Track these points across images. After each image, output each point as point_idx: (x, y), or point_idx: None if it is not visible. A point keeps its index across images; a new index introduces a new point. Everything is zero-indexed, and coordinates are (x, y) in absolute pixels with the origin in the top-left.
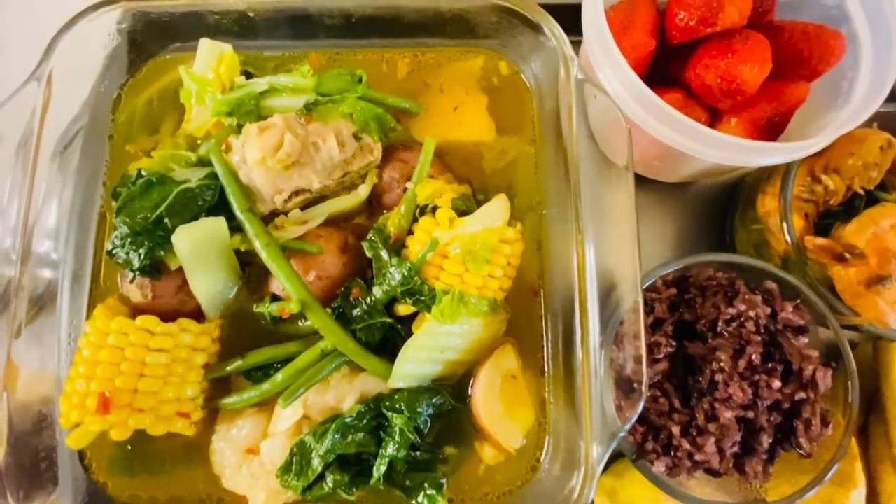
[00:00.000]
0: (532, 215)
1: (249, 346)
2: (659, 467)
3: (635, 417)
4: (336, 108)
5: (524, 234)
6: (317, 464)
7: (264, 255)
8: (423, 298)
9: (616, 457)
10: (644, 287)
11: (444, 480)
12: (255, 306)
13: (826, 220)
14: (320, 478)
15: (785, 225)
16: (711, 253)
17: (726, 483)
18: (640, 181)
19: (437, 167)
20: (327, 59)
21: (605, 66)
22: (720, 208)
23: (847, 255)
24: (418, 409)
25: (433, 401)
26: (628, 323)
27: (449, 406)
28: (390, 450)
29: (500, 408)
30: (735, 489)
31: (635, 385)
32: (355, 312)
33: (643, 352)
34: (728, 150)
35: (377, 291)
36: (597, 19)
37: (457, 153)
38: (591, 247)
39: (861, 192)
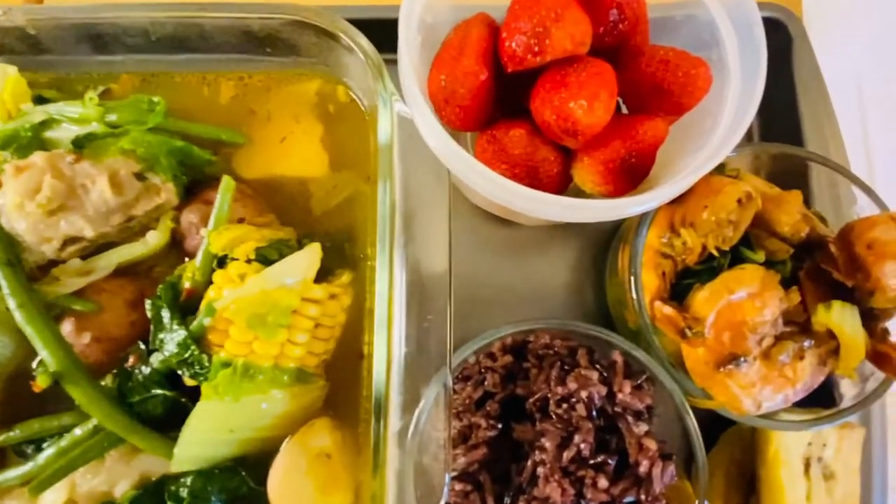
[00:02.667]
0: (364, 265)
1: (31, 411)
2: None
3: None
4: (115, 143)
5: (352, 286)
6: None
7: (17, 317)
8: (201, 372)
9: None
10: (478, 350)
11: None
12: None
13: (688, 279)
14: None
15: (632, 282)
16: (552, 318)
17: None
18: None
19: (256, 208)
20: (140, 80)
21: (413, 107)
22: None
23: (688, 332)
24: (206, 496)
25: (227, 484)
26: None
27: (246, 489)
28: None
29: (304, 492)
30: None
31: (436, 478)
32: (130, 384)
33: (446, 443)
34: (553, 206)
35: (154, 360)
36: (405, 49)
37: (283, 191)
38: (401, 309)
39: (715, 252)
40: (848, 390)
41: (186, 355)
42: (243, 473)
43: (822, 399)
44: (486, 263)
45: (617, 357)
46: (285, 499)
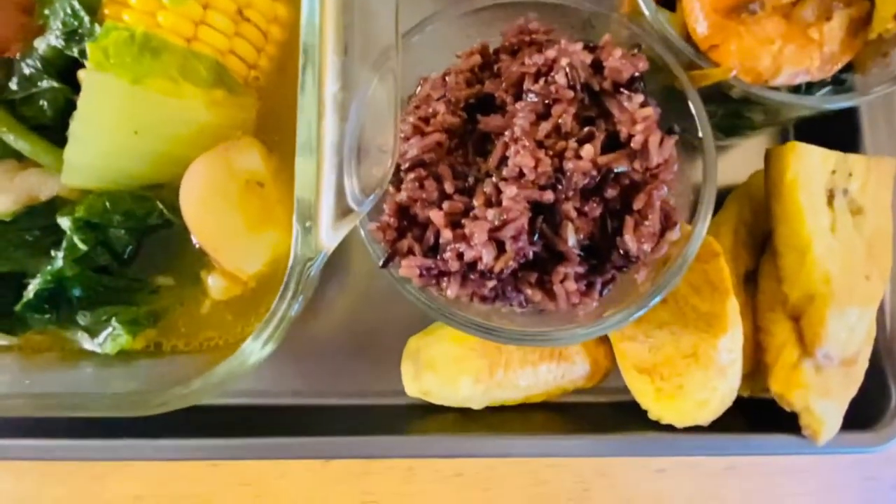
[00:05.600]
0: None
1: None
2: (411, 269)
3: (378, 191)
4: None
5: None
6: None
7: None
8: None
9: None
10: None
11: (145, 318)
12: None
13: None
14: None
15: None
16: None
17: (549, 321)
18: None
19: None
20: None
21: None
22: None
23: None
24: (109, 218)
25: (135, 210)
26: (383, 82)
27: (160, 220)
28: (56, 265)
29: (228, 221)
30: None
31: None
32: (14, 80)
33: (395, 105)
34: None
35: (40, 44)
36: None
37: None
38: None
39: None
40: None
41: (76, 25)
42: (156, 201)
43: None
44: None
45: (606, 38)
46: (207, 225)
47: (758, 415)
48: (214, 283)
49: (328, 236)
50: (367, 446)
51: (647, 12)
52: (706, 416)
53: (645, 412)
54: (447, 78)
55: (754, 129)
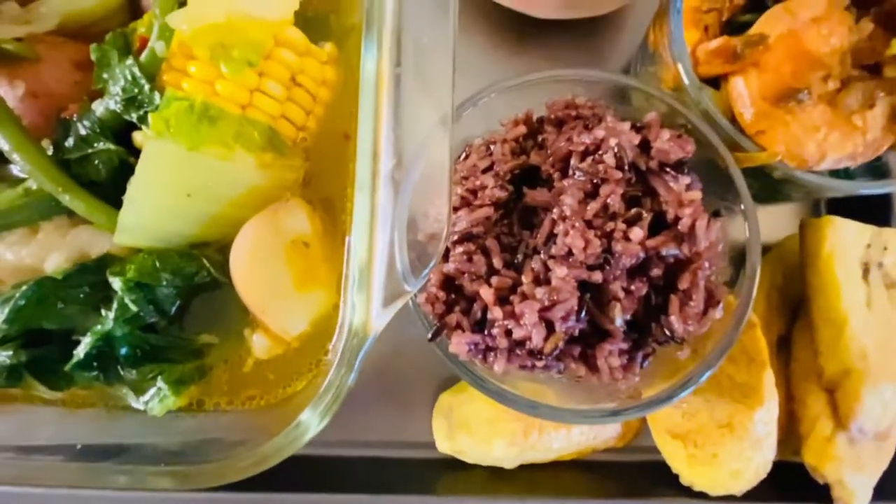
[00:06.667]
0: (355, 37)
1: None
2: (460, 345)
3: (428, 269)
4: None
5: (339, 59)
6: None
7: None
8: (151, 111)
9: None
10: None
11: (190, 376)
12: None
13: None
14: None
15: (670, 26)
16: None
17: (590, 392)
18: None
19: None
20: None
21: None
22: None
23: (740, 49)
24: (157, 277)
25: (184, 269)
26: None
27: (208, 278)
28: (105, 325)
29: (276, 282)
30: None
31: (437, 232)
32: (70, 140)
33: (447, 180)
34: None
35: (98, 107)
36: None
37: None
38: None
39: None
40: None
41: (135, 92)
42: (203, 259)
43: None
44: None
45: (650, 117)
46: (256, 287)
47: (788, 483)
48: (259, 343)
49: (378, 317)
50: None
51: (691, 92)
52: (740, 486)
53: (675, 475)
54: (492, 147)
55: (789, 202)
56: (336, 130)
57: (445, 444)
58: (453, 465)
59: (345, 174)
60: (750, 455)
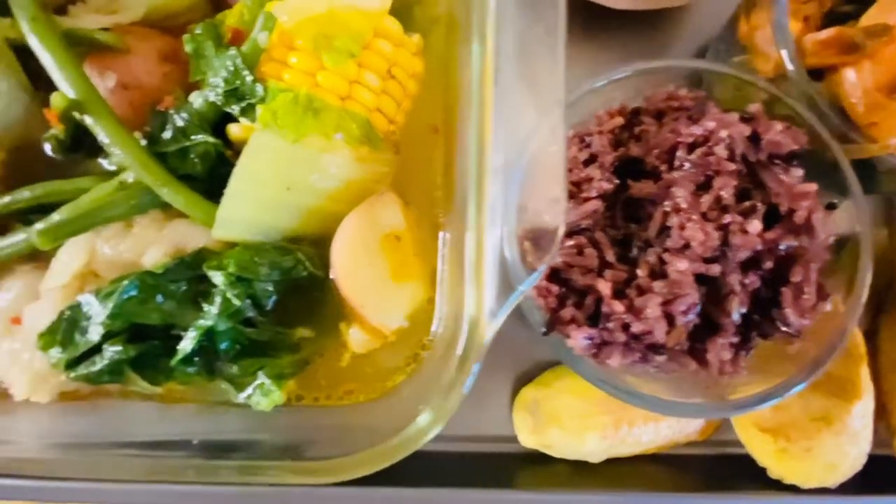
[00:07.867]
0: (438, 29)
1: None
2: (578, 340)
3: (545, 264)
4: None
5: (424, 51)
6: (94, 332)
7: (31, 40)
8: (254, 103)
9: (545, 367)
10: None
11: (289, 370)
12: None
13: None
14: (95, 350)
15: (774, 14)
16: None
17: (680, 384)
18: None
19: None
20: None
21: None
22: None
23: (860, 42)
24: (256, 272)
25: (281, 263)
26: (544, 149)
27: (305, 272)
28: (208, 320)
29: (374, 276)
30: (692, 392)
31: (549, 226)
32: (166, 133)
33: (562, 173)
34: None
35: (196, 99)
36: None
37: None
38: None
39: None
40: None
41: (237, 83)
42: (300, 255)
43: None
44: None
45: (753, 108)
46: (357, 280)
47: (879, 475)
48: (356, 337)
49: (493, 314)
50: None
51: (798, 82)
52: (835, 479)
53: (759, 468)
54: (587, 139)
55: (880, 193)
56: (422, 124)
57: (531, 439)
58: (535, 459)
59: (433, 167)
60: (847, 450)
